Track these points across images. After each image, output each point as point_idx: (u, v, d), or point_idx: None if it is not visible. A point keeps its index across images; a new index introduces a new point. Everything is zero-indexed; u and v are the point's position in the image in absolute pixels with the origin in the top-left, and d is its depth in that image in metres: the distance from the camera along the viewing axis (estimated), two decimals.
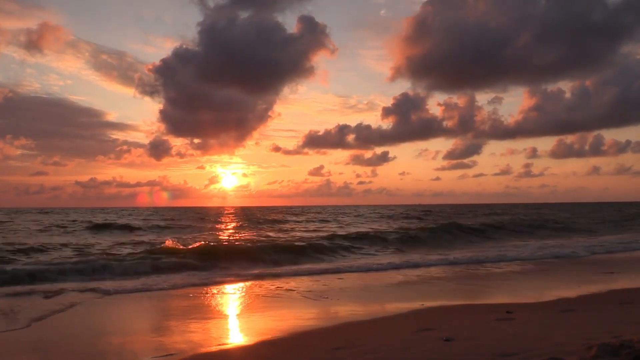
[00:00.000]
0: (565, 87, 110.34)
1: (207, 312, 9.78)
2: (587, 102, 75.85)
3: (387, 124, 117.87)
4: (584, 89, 77.39)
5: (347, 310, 9.73)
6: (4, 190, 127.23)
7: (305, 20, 70.85)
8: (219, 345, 7.19)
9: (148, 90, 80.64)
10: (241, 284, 13.41)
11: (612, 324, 6.91)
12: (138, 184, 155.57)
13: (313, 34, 69.10)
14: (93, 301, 10.82)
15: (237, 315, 9.68)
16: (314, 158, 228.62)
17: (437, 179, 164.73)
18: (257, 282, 13.68)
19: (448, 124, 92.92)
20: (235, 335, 8.02)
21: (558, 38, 60.72)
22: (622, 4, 63.35)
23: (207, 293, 12.06)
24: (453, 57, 63.51)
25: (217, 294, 12.06)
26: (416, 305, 9.95)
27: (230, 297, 11.77)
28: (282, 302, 10.76)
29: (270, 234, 31.70)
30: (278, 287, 12.69)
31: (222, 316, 9.57)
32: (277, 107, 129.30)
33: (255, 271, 15.75)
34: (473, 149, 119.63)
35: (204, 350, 6.86)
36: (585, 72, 78.20)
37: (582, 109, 76.24)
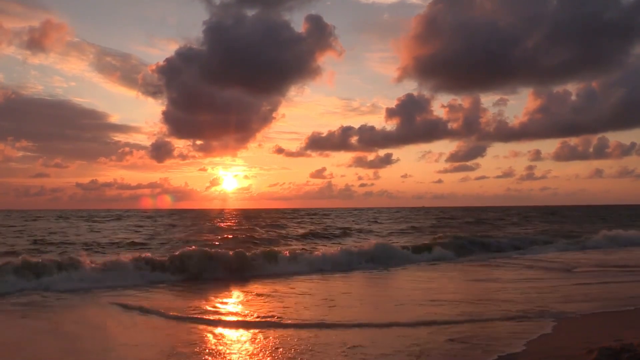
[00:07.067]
0: (574, 88, 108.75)
1: None
2: (593, 104, 74.86)
3: (390, 125, 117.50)
4: (591, 91, 76.34)
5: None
6: (4, 192, 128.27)
7: (312, 20, 69.55)
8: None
9: (151, 90, 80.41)
10: None
11: (614, 328, 6.98)
12: (139, 186, 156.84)
13: (321, 34, 68.41)
14: None
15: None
16: (316, 160, 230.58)
17: (439, 181, 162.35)
18: None
19: (452, 125, 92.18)
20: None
21: (568, 38, 59.88)
22: (636, 2, 62.05)
23: None
24: (461, 58, 62.92)
25: None
26: None
27: None
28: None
29: None
30: None
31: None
32: (281, 109, 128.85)
33: None
34: (477, 151, 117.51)
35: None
36: (596, 73, 76.74)
37: (589, 110, 75.22)
